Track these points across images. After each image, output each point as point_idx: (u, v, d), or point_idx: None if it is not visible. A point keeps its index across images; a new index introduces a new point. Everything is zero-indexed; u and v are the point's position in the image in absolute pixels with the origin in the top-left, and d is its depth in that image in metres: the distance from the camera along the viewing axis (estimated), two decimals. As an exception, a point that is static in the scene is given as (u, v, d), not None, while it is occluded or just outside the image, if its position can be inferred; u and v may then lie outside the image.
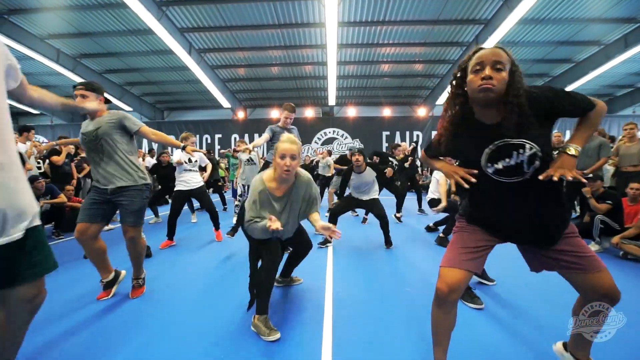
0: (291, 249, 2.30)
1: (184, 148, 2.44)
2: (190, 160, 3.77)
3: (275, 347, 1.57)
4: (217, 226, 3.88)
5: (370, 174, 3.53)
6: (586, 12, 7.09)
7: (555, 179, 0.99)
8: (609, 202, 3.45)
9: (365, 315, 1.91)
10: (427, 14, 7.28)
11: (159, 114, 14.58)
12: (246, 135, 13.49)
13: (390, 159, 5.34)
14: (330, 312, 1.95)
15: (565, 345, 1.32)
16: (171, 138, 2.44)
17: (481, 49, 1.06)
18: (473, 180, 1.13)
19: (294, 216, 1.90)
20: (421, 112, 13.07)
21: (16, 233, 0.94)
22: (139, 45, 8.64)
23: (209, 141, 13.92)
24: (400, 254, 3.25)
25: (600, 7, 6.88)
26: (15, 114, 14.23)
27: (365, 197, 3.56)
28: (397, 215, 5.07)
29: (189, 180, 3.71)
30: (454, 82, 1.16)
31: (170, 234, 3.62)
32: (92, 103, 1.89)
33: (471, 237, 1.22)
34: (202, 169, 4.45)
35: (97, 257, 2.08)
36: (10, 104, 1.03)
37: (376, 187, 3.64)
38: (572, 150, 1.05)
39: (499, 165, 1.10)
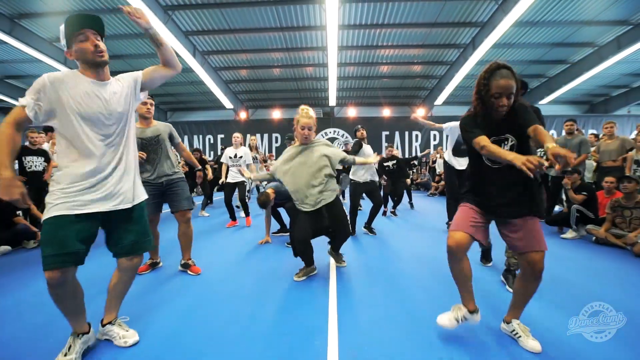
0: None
1: (200, 169, 3.12)
2: (235, 156, 4.46)
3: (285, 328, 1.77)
4: (247, 213, 4.74)
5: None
6: (580, 15, 7.27)
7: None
8: (585, 193, 3.74)
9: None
10: (425, 17, 7.48)
11: (163, 115, 14.79)
12: (248, 135, 13.67)
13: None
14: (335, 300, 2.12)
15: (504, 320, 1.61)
16: (194, 157, 3.01)
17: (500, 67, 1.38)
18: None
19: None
20: (420, 112, 13.21)
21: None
22: (144, 48, 8.85)
23: (211, 141, 14.13)
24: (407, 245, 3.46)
25: (594, 10, 7.06)
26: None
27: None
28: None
29: (234, 174, 4.47)
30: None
31: (232, 216, 4.62)
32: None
33: (471, 212, 1.55)
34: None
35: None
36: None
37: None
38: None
39: None
